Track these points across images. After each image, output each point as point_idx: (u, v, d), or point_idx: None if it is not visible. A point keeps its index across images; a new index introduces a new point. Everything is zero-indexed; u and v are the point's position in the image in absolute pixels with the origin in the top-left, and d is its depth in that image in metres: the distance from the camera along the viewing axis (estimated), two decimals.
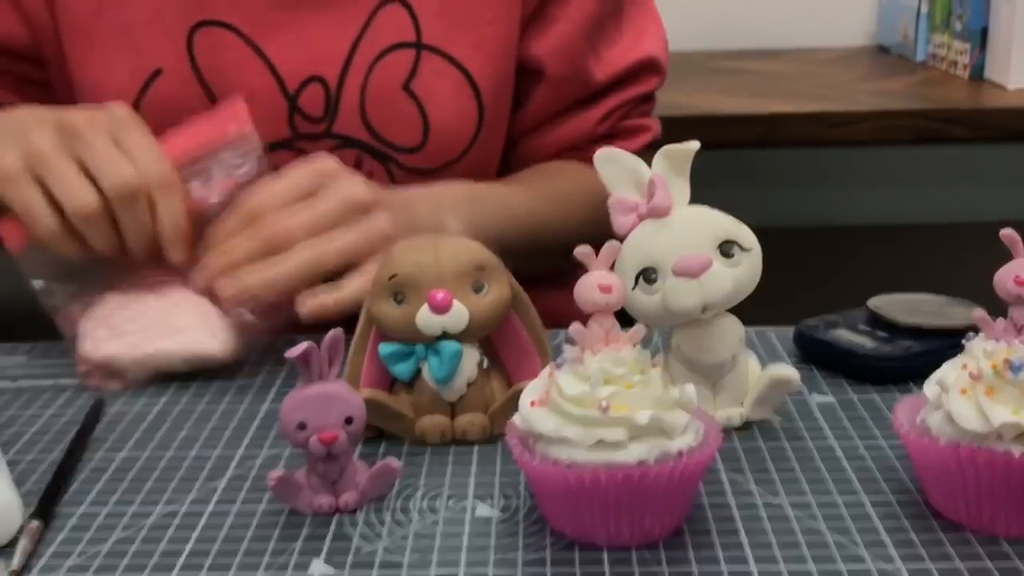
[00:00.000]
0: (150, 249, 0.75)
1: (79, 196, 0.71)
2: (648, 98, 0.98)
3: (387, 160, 0.89)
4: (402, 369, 0.64)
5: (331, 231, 0.73)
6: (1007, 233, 0.54)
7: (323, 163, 0.76)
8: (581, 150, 0.95)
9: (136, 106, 0.85)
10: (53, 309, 0.77)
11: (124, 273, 0.77)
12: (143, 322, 0.75)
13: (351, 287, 0.72)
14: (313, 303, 0.72)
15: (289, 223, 0.72)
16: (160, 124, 0.82)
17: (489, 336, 0.66)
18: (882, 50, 1.72)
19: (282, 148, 0.87)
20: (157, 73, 0.86)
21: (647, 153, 0.95)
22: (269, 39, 0.86)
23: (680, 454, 0.53)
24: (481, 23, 0.88)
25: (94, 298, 0.77)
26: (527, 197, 0.90)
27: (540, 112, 0.94)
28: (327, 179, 0.75)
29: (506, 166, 0.97)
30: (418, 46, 0.87)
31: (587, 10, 0.91)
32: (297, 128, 0.88)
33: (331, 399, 0.56)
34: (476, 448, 0.64)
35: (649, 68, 0.95)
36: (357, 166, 0.88)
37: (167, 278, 0.77)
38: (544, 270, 0.87)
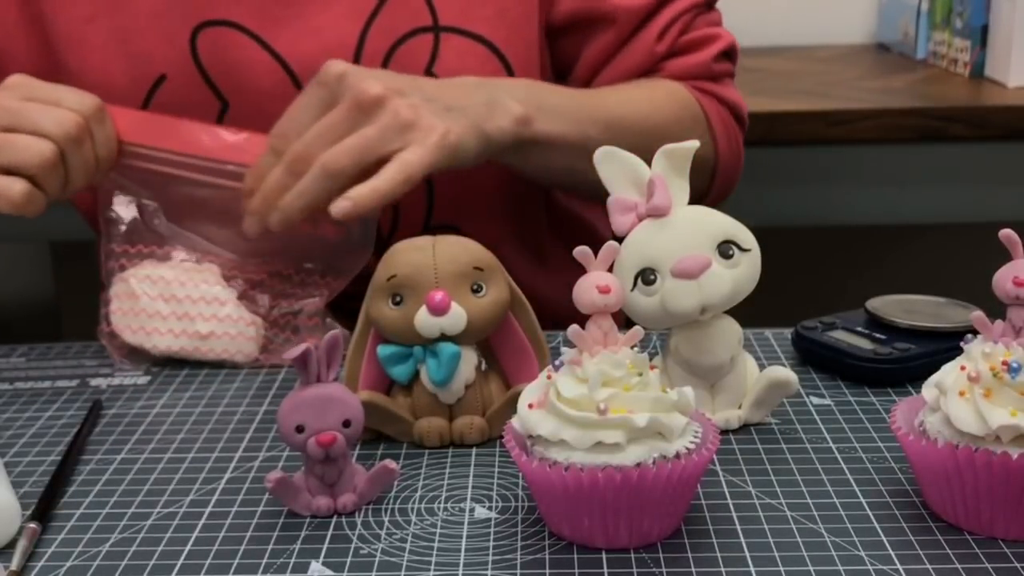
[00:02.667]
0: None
1: (38, 150, 0.72)
2: (705, 6, 0.93)
3: None
4: (400, 371, 0.64)
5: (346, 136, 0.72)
6: (1006, 233, 0.54)
7: (329, 70, 0.74)
8: (650, 75, 0.92)
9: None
10: None
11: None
12: (175, 312, 0.77)
13: (383, 175, 0.70)
14: (343, 202, 0.70)
15: (304, 141, 0.72)
16: None
17: (487, 338, 0.66)
18: (882, 48, 1.72)
19: None
20: (161, 79, 0.85)
21: (723, 63, 0.94)
22: (275, 33, 0.85)
23: (678, 456, 0.53)
24: None
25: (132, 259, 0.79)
26: (593, 92, 0.87)
27: (599, 56, 0.90)
28: (338, 85, 0.73)
29: None
30: (436, 29, 0.85)
31: None
32: None
33: (329, 401, 0.56)
34: (474, 450, 0.64)
35: None
36: None
37: (202, 265, 0.78)
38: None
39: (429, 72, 0.85)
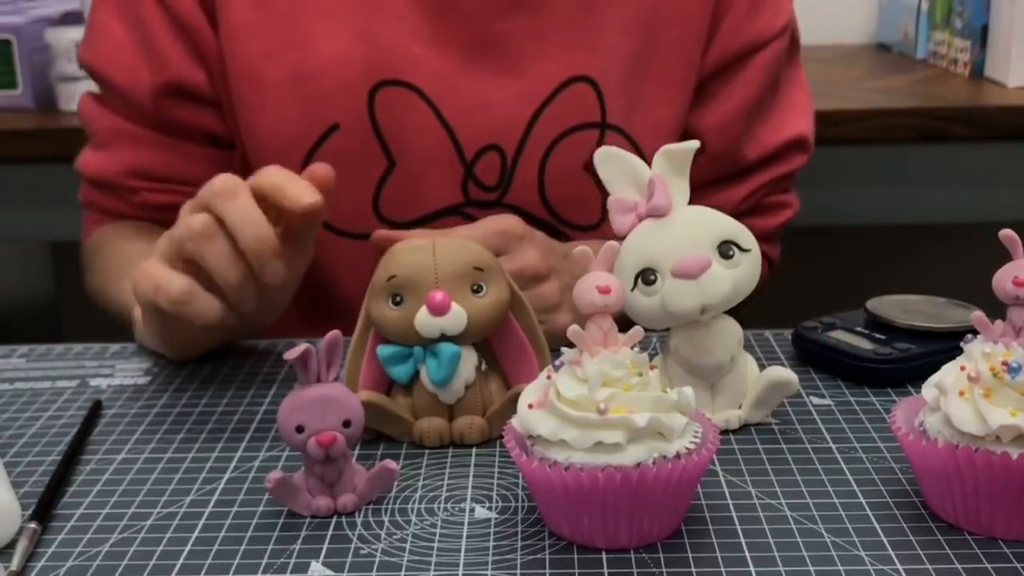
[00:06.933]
0: None
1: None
2: (791, 175, 0.96)
3: (559, 236, 0.86)
4: (400, 371, 0.64)
5: None
6: (1006, 234, 0.54)
7: (511, 224, 0.76)
8: None
9: (308, 157, 0.84)
10: None
11: None
12: None
13: None
14: None
15: None
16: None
17: (487, 338, 0.66)
18: (882, 48, 1.72)
19: (452, 214, 0.86)
20: (334, 127, 0.84)
21: (781, 229, 0.97)
22: (450, 102, 0.85)
23: (678, 456, 0.53)
24: (659, 103, 0.87)
25: None
26: None
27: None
28: (511, 242, 0.75)
29: None
30: (603, 126, 0.86)
31: (751, 92, 0.90)
32: (470, 195, 0.86)
33: (329, 401, 0.56)
34: (474, 450, 0.64)
35: (797, 147, 0.94)
36: None
37: None
38: None
39: (586, 165, 0.85)
